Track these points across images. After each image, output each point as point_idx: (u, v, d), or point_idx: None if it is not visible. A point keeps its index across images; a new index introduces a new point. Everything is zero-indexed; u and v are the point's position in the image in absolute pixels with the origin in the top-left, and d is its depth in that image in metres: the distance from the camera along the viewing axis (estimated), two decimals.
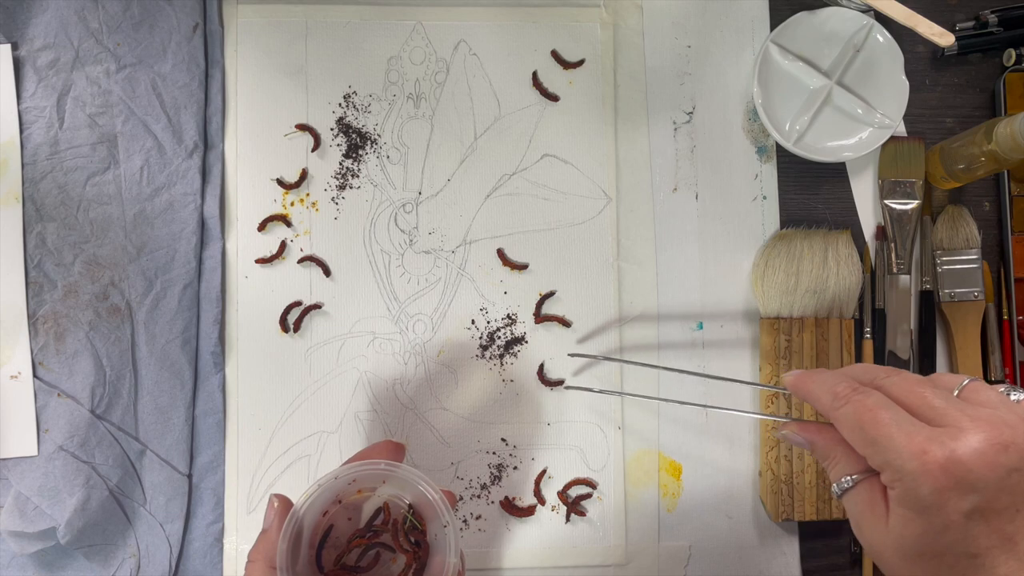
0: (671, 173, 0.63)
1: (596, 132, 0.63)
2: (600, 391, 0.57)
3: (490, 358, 0.61)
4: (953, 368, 0.62)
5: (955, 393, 0.38)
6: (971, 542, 0.34)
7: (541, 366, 0.61)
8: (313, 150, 0.62)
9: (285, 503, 0.46)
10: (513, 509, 0.60)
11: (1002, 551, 0.34)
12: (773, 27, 0.62)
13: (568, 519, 0.60)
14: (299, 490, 0.59)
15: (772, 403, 0.60)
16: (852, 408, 0.37)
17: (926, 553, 0.35)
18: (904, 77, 0.61)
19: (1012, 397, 0.38)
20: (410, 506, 0.49)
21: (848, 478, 0.39)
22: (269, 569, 0.43)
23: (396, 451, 0.48)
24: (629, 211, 0.62)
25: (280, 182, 0.61)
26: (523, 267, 0.62)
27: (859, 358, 0.62)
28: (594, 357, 0.59)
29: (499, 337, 0.61)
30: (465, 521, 0.60)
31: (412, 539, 0.49)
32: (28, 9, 0.60)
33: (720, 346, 0.62)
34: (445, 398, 0.61)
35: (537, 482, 0.60)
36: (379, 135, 0.62)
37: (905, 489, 0.35)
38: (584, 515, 0.60)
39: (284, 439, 0.60)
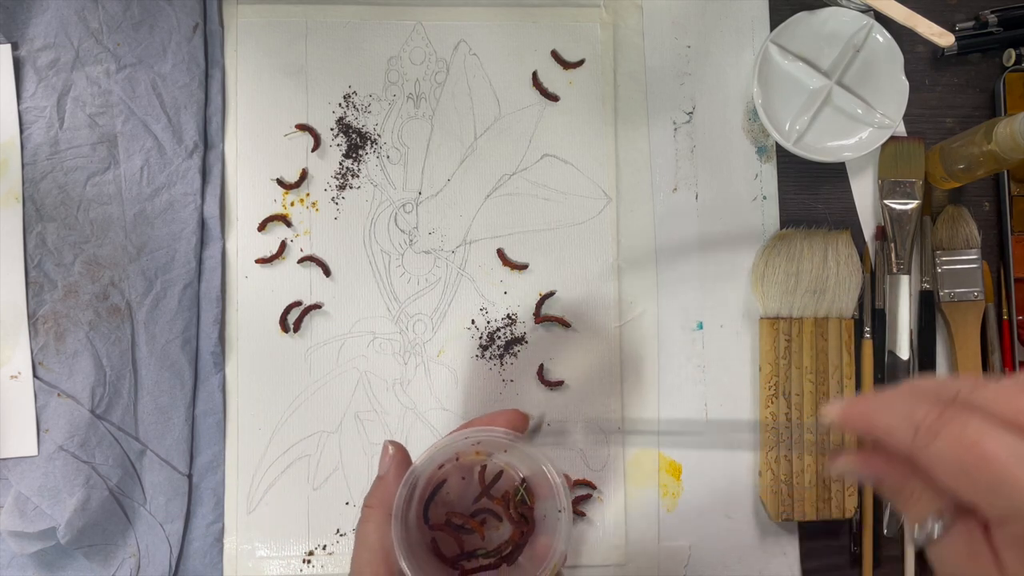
0: (671, 173, 0.63)
1: (596, 132, 0.63)
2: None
3: (490, 358, 0.61)
4: (954, 368, 0.62)
5: None
6: None
7: (541, 366, 0.61)
8: (313, 150, 0.62)
9: (401, 451, 0.45)
10: None
11: None
12: (773, 27, 0.62)
13: None
14: (299, 490, 0.59)
15: (772, 403, 0.60)
16: (948, 444, 0.28)
17: None
18: (904, 77, 0.61)
19: None
20: (524, 480, 0.48)
21: (936, 522, 0.30)
22: (386, 516, 0.42)
23: (522, 421, 0.46)
24: (629, 211, 0.62)
25: (280, 182, 0.61)
26: (523, 267, 0.62)
27: (859, 358, 0.61)
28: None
29: (499, 337, 0.61)
30: None
31: (520, 512, 0.48)
32: (28, 9, 0.60)
33: (720, 346, 0.62)
34: (445, 398, 0.61)
35: None
36: (379, 135, 0.62)
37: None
38: (584, 515, 0.60)
39: (284, 439, 0.60)
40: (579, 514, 0.60)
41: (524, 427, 0.46)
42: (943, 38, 0.58)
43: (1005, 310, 0.62)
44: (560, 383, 0.61)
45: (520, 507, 0.48)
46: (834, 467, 0.34)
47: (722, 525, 0.61)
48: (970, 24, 0.64)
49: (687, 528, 0.60)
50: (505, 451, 0.48)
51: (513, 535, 0.47)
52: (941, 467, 0.29)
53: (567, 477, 0.45)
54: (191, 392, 0.59)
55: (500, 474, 0.49)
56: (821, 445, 0.60)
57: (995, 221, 0.64)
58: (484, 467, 0.48)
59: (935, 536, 0.30)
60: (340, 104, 0.62)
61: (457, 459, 0.48)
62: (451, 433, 0.45)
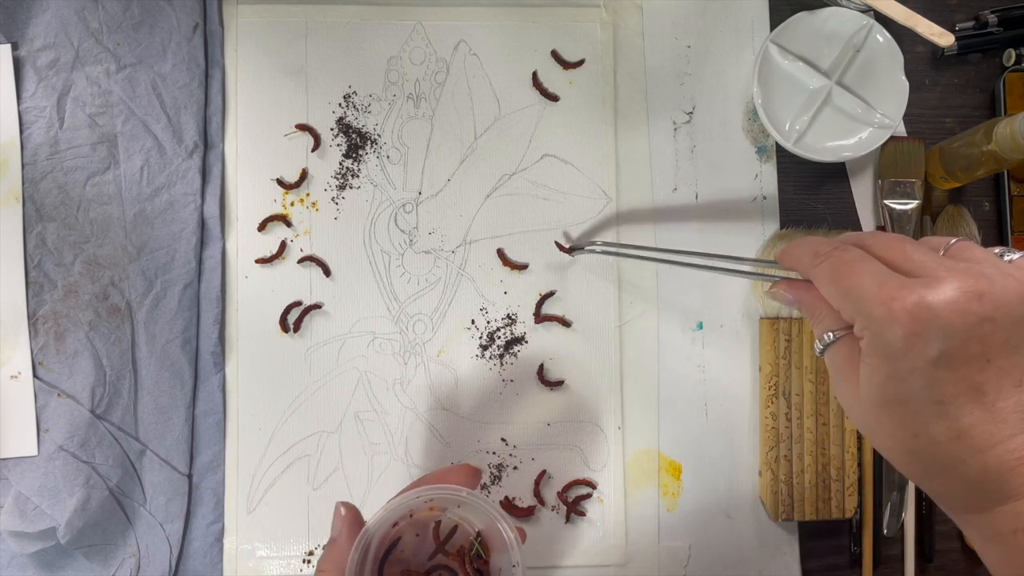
0: (671, 173, 0.63)
1: (596, 132, 0.63)
2: (602, 250, 0.58)
3: (490, 358, 0.61)
4: None
5: (942, 252, 0.37)
6: (937, 389, 0.34)
7: (541, 366, 0.61)
8: (313, 150, 0.62)
9: (353, 512, 0.45)
10: (513, 509, 0.60)
11: (968, 399, 0.34)
12: (773, 27, 0.62)
13: (568, 519, 0.60)
14: (299, 490, 0.59)
15: (772, 403, 0.60)
16: (829, 263, 0.37)
17: (892, 400, 0.35)
18: (904, 77, 0.61)
19: (1005, 258, 0.36)
20: (478, 534, 0.49)
21: (830, 334, 0.38)
22: None
23: (474, 476, 0.48)
24: (629, 211, 0.62)
25: (280, 182, 0.61)
26: (523, 267, 0.62)
27: None
28: (591, 245, 0.59)
29: (499, 337, 0.61)
30: None
31: (475, 567, 0.49)
32: (28, 9, 0.60)
33: (720, 346, 0.62)
34: (445, 398, 0.61)
35: (537, 483, 0.60)
36: (379, 135, 0.62)
37: (873, 335, 0.35)
38: (584, 515, 0.60)
39: (284, 439, 0.60)
40: (579, 514, 0.60)
41: (476, 482, 0.47)
42: (943, 38, 0.58)
43: None
44: (560, 383, 0.61)
45: (476, 561, 0.48)
46: (769, 292, 0.43)
47: (722, 525, 0.61)
48: (970, 24, 0.64)
49: (687, 528, 0.61)
50: (459, 506, 0.48)
51: None
52: (822, 280, 0.38)
53: (520, 531, 0.45)
54: (191, 392, 0.59)
55: (455, 529, 0.49)
56: (821, 445, 0.60)
57: (995, 221, 0.64)
58: (439, 523, 0.48)
59: (827, 342, 0.38)
60: (340, 104, 0.62)
61: (411, 516, 0.48)
62: (403, 491, 0.45)
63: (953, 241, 0.37)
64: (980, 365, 0.34)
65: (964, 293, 0.33)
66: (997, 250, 0.37)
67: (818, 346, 0.39)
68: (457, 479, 0.46)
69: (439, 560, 0.49)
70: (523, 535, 0.47)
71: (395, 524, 0.47)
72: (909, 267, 0.35)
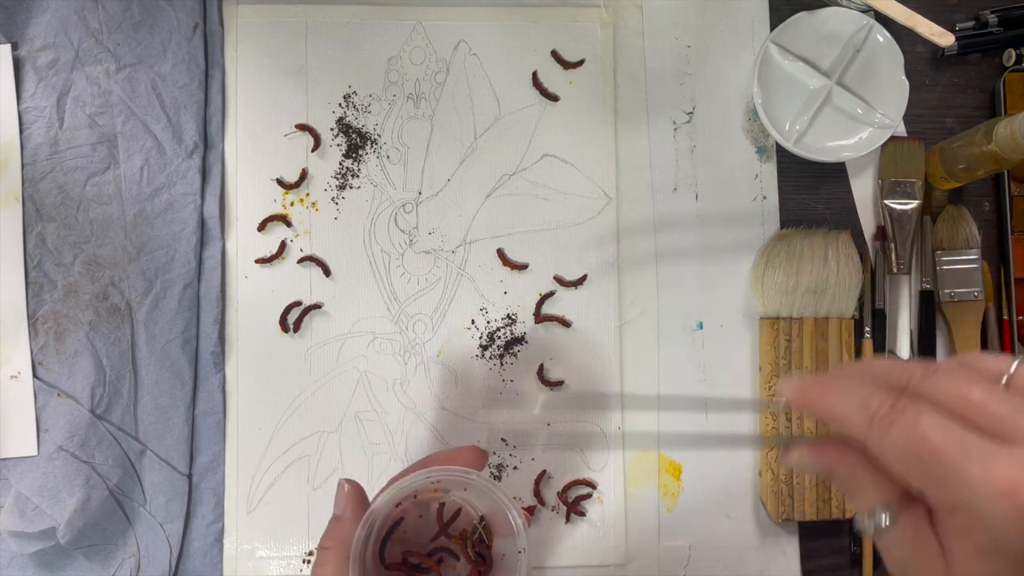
0: (671, 173, 0.63)
1: (596, 132, 0.63)
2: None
3: (490, 358, 0.61)
4: None
5: (1003, 381, 0.30)
6: None
7: (541, 366, 0.61)
8: (313, 150, 0.62)
9: (356, 489, 0.44)
10: None
11: None
12: (773, 27, 0.62)
13: (568, 519, 0.60)
14: (299, 490, 0.59)
15: (772, 418, 0.60)
16: (902, 432, 0.29)
17: None
18: (904, 77, 0.61)
19: None
20: (482, 518, 0.49)
21: (883, 513, 0.31)
22: (344, 557, 0.42)
23: (481, 458, 0.46)
24: (629, 211, 0.62)
25: (280, 182, 0.61)
26: (523, 267, 0.62)
27: (859, 358, 0.61)
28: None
29: (499, 337, 0.61)
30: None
31: (477, 551, 0.48)
32: (28, 9, 0.60)
33: (720, 346, 0.62)
34: (445, 398, 0.61)
35: (537, 483, 0.60)
36: (379, 135, 0.62)
37: (990, 536, 0.28)
38: (584, 515, 0.60)
39: (284, 439, 0.60)
40: (579, 514, 0.60)
41: (483, 464, 0.46)
42: (943, 38, 0.58)
43: (1005, 310, 0.62)
44: (560, 383, 0.61)
45: (478, 546, 0.48)
46: (788, 460, 0.34)
47: (722, 525, 0.61)
48: (970, 24, 0.64)
49: (687, 528, 0.60)
50: (465, 489, 0.47)
51: (471, 574, 0.47)
52: (894, 457, 0.29)
53: (526, 513, 0.44)
54: (191, 392, 0.59)
55: (459, 512, 0.48)
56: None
57: (995, 221, 0.64)
58: (442, 505, 0.48)
59: (883, 525, 0.31)
60: (340, 104, 0.62)
61: (415, 496, 0.47)
62: (409, 470, 0.45)
63: (1014, 367, 0.30)
64: None
65: None
66: None
67: (867, 525, 0.31)
68: (465, 460, 0.45)
69: (441, 542, 0.48)
70: (529, 520, 0.45)
71: (399, 504, 0.47)
72: (994, 425, 0.28)
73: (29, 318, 0.58)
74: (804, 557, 0.61)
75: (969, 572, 0.29)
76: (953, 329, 0.62)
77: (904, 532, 0.30)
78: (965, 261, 0.62)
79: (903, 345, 0.61)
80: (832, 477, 0.33)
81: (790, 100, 0.61)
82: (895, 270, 0.62)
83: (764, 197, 0.63)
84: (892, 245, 0.62)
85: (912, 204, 0.62)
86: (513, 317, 0.61)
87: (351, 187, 0.62)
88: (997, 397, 0.29)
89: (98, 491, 0.57)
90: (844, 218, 0.64)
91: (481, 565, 0.48)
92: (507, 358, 0.61)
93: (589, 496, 0.60)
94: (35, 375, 0.58)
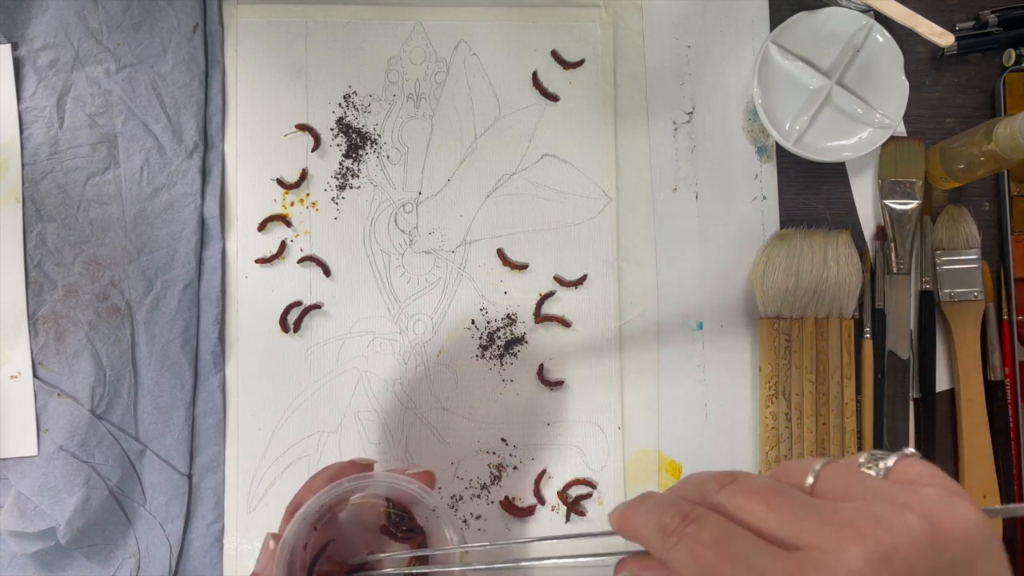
0: (671, 173, 0.63)
1: (596, 132, 0.63)
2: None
3: (490, 358, 0.61)
4: (953, 368, 0.62)
5: (809, 481, 0.29)
6: None
7: (541, 366, 0.61)
8: (313, 150, 0.62)
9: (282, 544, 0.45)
10: (513, 509, 0.60)
11: None
12: (773, 27, 0.62)
13: (568, 519, 0.60)
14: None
15: (772, 403, 0.60)
16: (687, 547, 0.28)
17: None
18: (904, 77, 0.61)
19: (880, 465, 0.29)
20: (389, 501, 0.50)
21: None
22: None
23: (365, 467, 0.48)
24: (629, 211, 0.62)
25: (280, 182, 0.61)
26: (523, 267, 0.62)
27: (859, 358, 0.61)
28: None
29: (499, 337, 0.61)
30: (465, 521, 0.60)
31: (405, 528, 0.50)
32: (28, 9, 0.60)
33: (720, 346, 0.62)
34: (445, 398, 0.61)
35: (537, 482, 0.60)
36: (379, 135, 0.62)
37: None
38: (584, 515, 0.60)
39: (284, 439, 0.60)
40: (579, 514, 0.60)
41: (371, 466, 0.48)
42: (943, 38, 0.58)
43: (1005, 310, 0.62)
44: (560, 383, 0.61)
45: (401, 523, 0.49)
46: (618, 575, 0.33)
47: None
48: (970, 24, 0.64)
49: None
50: (364, 491, 0.49)
51: (412, 548, 0.49)
52: (683, 570, 0.28)
53: (425, 475, 0.46)
54: (191, 392, 0.59)
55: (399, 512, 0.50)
56: (821, 445, 0.60)
57: (995, 221, 0.64)
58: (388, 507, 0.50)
59: None
60: (340, 104, 0.62)
61: (332, 512, 0.49)
62: (303, 489, 0.47)
63: (818, 468, 0.29)
64: None
65: (868, 562, 0.25)
66: (862, 459, 0.30)
67: None
68: (344, 471, 0.47)
69: (371, 549, 0.50)
70: (429, 479, 0.47)
71: (316, 527, 0.48)
72: (783, 533, 0.27)
73: (29, 318, 0.58)
74: None
75: None
76: (953, 329, 0.62)
77: None
78: (965, 261, 0.62)
79: (903, 345, 0.61)
80: None
81: (790, 100, 0.61)
82: (895, 270, 0.62)
83: (764, 197, 0.63)
84: (892, 245, 0.62)
85: (912, 204, 0.62)
86: (513, 317, 0.61)
87: (351, 187, 0.62)
88: (791, 502, 0.28)
89: (98, 491, 0.57)
90: (844, 218, 0.64)
91: (416, 536, 0.49)
92: (507, 358, 0.61)
93: (589, 496, 0.60)
94: (35, 375, 0.58)
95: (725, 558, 0.27)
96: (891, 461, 0.29)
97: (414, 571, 0.47)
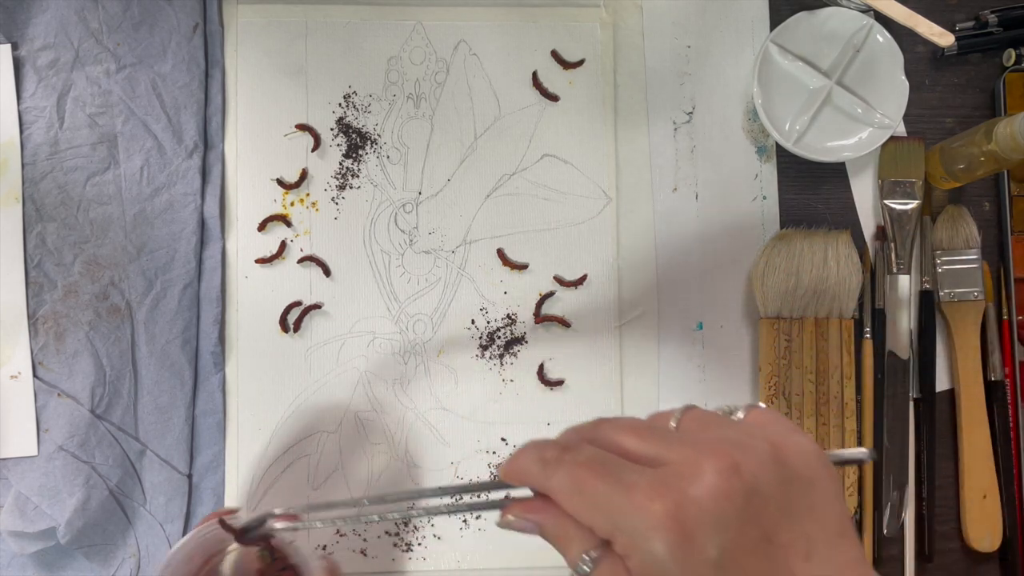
0: (671, 173, 0.63)
1: (596, 132, 0.63)
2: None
3: (490, 358, 0.61)
4: (953, 368, 0.62)
5: (673, 424, 0.33)
6: None
7: (541, 366, 0.61)
8: (313, 150, 0.62)
9: None
10: None
11: None
12: (773, 27, 0.62)
13: None
14: (299, 490, 0.59)
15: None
16: (565, 471, 0.31)
17: None
18: (904, 77, 0.61)
19: (734, 417, 0.34)
20: (263, 545, 0.50)
21: (586, 557, 0.30)
22: None
23: (224, 514, 0.49)
24: (629, 211, 0.62)
25: (280, 182, 0.61)
26: (523, 267, 0.62)
27: (859, 358, 0.62)
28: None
29: (499, 337, 0.61)
30: (465, 521, 0.60)
31: (280, 568, 0.50)
32: (28, 9, 0.60)
33: (720, 346, 0.62)
34: (445, 398, 0.61)
35: None
36: (379, 135, 0.62)
37: (642, 556, 0.29)
38: None
39: (284, 439, 0.60)
40: None
41: (232, 513, 0.49)
42: (943, 38, 0.58)
43: (1005, 310, 0.62)
44: (560, 383, 0.61)
45: (275, 564, 0.50)
46: (500, 523, 0.34)
47: None
48: (970, 24, 0.64)
49: None
50: (225, 549, 0.50)
51: None
52: (562, 494, 0.31)
53: (289, 517, 0.46)
54: (191, 392, 0.59)
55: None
56: (821, 445, 0.60)
57: (995, 221, 0.64)
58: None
59: (587, 571, 0.30)
60: (340, 104, 0.62)
61: (209, 564, 0.50)
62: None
63: (679, 412, 0.33)
64: (764, 549, 0.29)
65: (722, 473, 0.29)
66: (720, 412, 0.34)
67: (575, 574, 0.31)
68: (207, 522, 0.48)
69: None
70: (290, 518, 0.45)
71: None
72: (650, 453, 0.30)
73: (29, 318, 0.58)
74: None
75: None
76: (953, 329, 0.62)
77: (603, 574, 0.30)
78: (965, 261, 0.62)
79: (903, 345, 0.61)
80: (544, 535, 0.33)
81: (790, 100, 0.61)
82: (895, 270, 0.62)
83: (764, 197, 0.63)
84: (892, 245, 0.62)
85: (912, 204, 0.62)
86: (513, 317, 0.61)
87: (351, 187, 0.62)
88: (658, 432, 0.31)
89: (98, 491, 0.57)
90: (844, 218, 0.64)
91: (293, 571, 0.50)
92: (507, 358, 0.61)
93: None
94: (35, 375, 0.58)
95: (599, 475, 0.30)
96: (741, 414, 0.34)
97: None
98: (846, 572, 0.30)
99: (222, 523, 0.49)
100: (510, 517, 0.33)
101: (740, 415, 0.34)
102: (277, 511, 0.44)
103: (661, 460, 0.30)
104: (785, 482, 0.30)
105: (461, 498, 0.37)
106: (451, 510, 0.37)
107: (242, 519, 0.47)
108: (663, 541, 0.28)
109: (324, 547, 0.59)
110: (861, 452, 0.35)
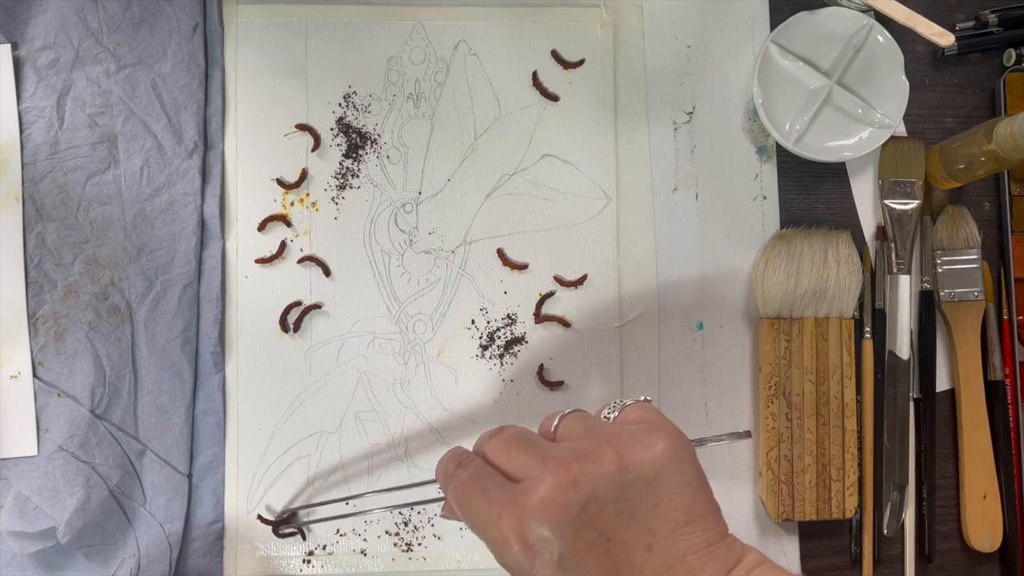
0: (671, 173, 0.63)
1: (596, 132, 0.63)
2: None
3: (490, 358, 0.61)
4: (953, 368, 0.62)
5: (553, 428, 0.38)
6: None
7: (541, 366, 0.61)
8: (313, 150, 0.62)
9: None
10: None
11: None
12: (773, 27, 0.62)
13: None
14: (299, 490, 0.59)
15: (772, 403, 0.60)
16: (454, 486, 0.36)
17: None
18: (904, 77, 0.61)
19: (610, 416, 0.38)
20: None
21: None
22: None
23: None
24: (629, 211, 0.62)
25: (280, 182, 0.61)
26: (523, 267, 0.62)
27: (859, 358, 0.62)
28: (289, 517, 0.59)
29: (499, 337, 0.61)
30: None
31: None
32: (28, 9, 0.60)
33: (720, 346, 0.62)
34: (445, 398, 0.61)
35: None
36: (379, 135, 0.62)
37: (503, 559, 0.34)
38: None
39: (284, 439, 0.60)
40: None
41: None
42: (943, 38, 0.58)
43: (1005, 310, 0.63)
44: (560, 383, 0.61)
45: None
46: (439, 516, 0.42)
47: None
48: (970, 24, 0.64)
49: None
50: None
51: None
52: (455, 506, 0.36)
53: None
54: (191, 392, 0.59)
55: None
56: (821, 445, 0.60)
57: (995, 221, 0.64)
58: None
59: None
60: (340, 104, 0.62)
61: None
62: None
63: (557, 421, 0.38)
64: (603, 547, 0.33)
65: (559, 487, 0.33)
66: (606, 410, 0.39)
67: None
68: None
69: None
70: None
71: None
72: (516, 471, 0.35)
73: (29, 318, 0.58)
74: (804, 557, 0.61)
75: None
76: (953, 329, 0.62)
77: None
78: (965, 261, 0.62)
79: (903, 345, 0.61)
80: (475, 530, 0.37)
81: (790, 100, 0.61)
82: (895, 270, 0.62)
83: (764, 197, 0.63)
84: (892, 245, 0.62)
85: (912, 204, 0.62)
86: (513, 317, 0.61)
87: (351, 187, 0.62)
88: (529, 445, 0.35)
89: (98, 491, 0.57)
90: (844, 218, 0.64)
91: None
92: (507, 358, 0.61)
93: None
94: (35, 375, 0.58)
95: (472, 491, 0.35)
96: (615, 413, 0.38)
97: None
98: (687, 558, 0.33)
99: (259, 517, 0.53)
100: (445, 512, 0.40)
101: (615, 414, 0.38)
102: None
103: (518, 476, 0.35)
104: (625, 485, 0.33)
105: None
106: (401, 505, 0.49)
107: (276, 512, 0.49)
108: (510, 551, 0.33)
109: (324, 547, 0.59)
110: (738, 431, 0.41)
